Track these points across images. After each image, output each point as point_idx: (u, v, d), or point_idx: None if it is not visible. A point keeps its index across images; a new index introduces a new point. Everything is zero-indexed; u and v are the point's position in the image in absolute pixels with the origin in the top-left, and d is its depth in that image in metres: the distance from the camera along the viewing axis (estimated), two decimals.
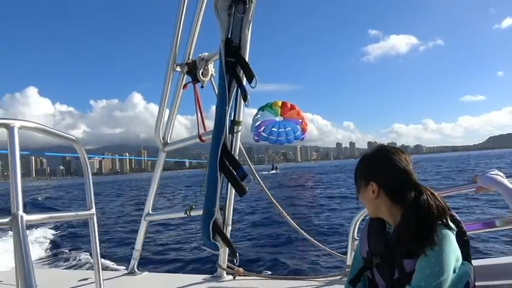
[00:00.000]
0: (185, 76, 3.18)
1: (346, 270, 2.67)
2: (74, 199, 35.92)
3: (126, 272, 3.68)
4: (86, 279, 3.45)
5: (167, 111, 3.39)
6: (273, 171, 72.76)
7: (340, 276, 2.78)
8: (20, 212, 1.39)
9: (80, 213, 2.03)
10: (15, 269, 1.61)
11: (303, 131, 24.50)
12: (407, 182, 1.48)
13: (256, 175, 2.98)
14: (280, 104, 24.14)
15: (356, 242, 2.58)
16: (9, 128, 1.50)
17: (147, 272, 3.65)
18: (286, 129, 24.23)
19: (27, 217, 1.42)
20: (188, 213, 3.06)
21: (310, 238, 3.31)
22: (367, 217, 1.69)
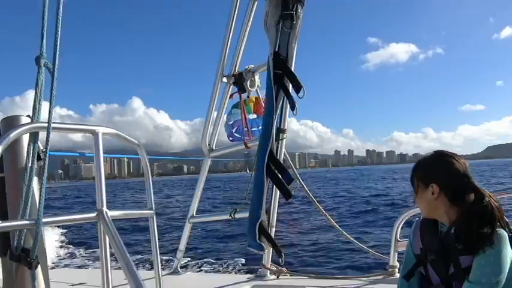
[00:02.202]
0: (231, 87, 3.38)
1: (389, 270, 2.75)
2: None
3: (169, 271, 3.86)
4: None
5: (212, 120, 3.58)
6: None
7: (383, 276, 2.85)
8: (105, 208, 1.60)
9: (144, 211, 2.17)
10: (101, 262, 1.76)
11: None
12: (467, 184, 1.59)
13: (300, 180, 3.11)
14: (254, 99, 23.63)
15: (399, 243, 2.67)
16: (95, 134, 1.70)
17: (190, 272, 3.83)
18: (259, 127, 23.74)
19: (110, 213, 1.62)
20: (233, 215, 3.22)
21: (353, 240, 3.41)
22: (416, 218, 1.81)
